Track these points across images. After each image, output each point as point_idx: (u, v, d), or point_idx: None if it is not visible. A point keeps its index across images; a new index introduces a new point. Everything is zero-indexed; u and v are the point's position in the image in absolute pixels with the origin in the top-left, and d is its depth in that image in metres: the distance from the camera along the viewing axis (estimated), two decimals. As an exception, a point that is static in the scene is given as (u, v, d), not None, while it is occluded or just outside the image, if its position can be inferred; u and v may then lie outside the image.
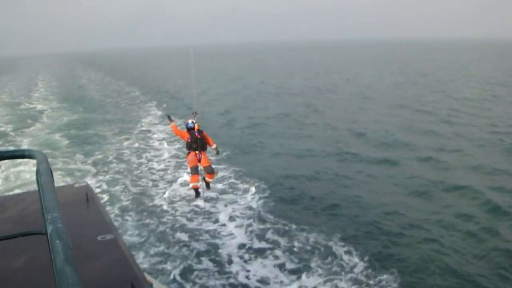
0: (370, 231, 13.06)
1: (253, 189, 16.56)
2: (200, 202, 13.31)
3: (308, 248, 12.05)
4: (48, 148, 23.86)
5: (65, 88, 58.25)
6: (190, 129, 10.15)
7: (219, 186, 17.02)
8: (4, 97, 51.02)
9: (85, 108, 39.40)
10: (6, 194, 13.24)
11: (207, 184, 10.94)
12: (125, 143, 25.33)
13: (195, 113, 10.60)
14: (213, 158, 15.22)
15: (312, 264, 11.18)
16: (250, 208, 14.95)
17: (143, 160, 21.48)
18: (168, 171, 19.73)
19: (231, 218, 14.15)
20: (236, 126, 29.53)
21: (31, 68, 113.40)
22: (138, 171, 19.72)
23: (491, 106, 34.84)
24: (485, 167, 18.79)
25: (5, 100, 47.60)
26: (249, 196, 15.99)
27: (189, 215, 14.62)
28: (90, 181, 17.94)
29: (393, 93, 43.49)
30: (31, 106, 42.15)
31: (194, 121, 10.20)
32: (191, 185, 10.49)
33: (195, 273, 11.04)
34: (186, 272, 11.03)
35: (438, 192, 16.20)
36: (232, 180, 17.79)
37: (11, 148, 23.79)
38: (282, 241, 12.45)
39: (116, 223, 11.21)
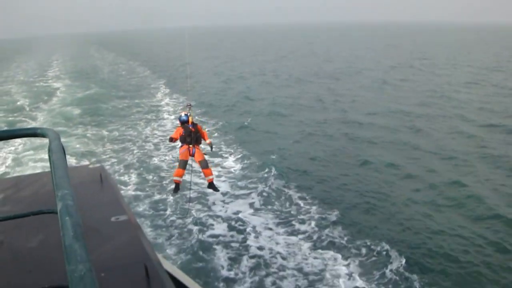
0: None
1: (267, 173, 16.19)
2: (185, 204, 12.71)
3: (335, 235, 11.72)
4: (61, 123, 24.96)
5: (79, 67, 59.28)
6: (183, 122, 9.72)
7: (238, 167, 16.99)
8: (20, 76, 52.26)
9: (98, 86, 40.40)
10: (21, 174, 13.26)
11: (213, 187, 10.26)
12: (138, 120, 26.23)
13: (190, 105, 10.14)
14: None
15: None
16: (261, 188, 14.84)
17: (157, 140, 21.75)
18: None
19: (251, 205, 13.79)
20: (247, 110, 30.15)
21: (46, 49, 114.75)
22: (152, 150, 20.05)
23: None
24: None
25: (21, 79, 48.85)
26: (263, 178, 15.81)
27: (204, 196, 14.42)
28: (104, 156, 18.92)
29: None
30: (46, 84, 43.25)
31: (188, 114, 9.78)
32: (173, 178, 10.11)
33: (210, 255, 10.87)
34: (200, 254, 10.85)
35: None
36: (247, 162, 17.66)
37: (28, 124, 24.81)
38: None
39: (130, 204, 11.20)
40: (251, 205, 13.69)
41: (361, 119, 24.31)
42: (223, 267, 10.32)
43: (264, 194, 14.38)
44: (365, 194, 14.30)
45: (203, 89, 36.05)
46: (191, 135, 9.64)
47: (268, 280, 9.88)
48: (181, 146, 9.82)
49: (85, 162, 17.56)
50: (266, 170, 16.39)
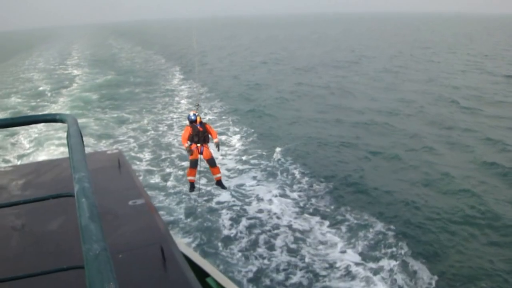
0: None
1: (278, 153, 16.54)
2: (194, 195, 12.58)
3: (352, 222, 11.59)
4: (80, 106, 26.34)
5: (98, 56, 60.86)
6: (192, 122, 9.83)
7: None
8: (41, 64, 54.08)
9: (116, 72, 41.81)
10: (42, 159, 13.78)
11: (220, 184, 10.57)
12: (154, 104, 27.42)
13: (198, 105, 10.28)
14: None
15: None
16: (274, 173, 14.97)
17: (171, 122, 22.48)
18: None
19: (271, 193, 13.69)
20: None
21: (66, 38, 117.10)
22: (166, 131, 20.70)
23: None
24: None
25: (42, 67, 50.65)
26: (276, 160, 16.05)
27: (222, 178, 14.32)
28: (122, 137, 19.80)
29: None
30: (66, 71, 44.84)
31: (197, 114, 9.89)
32: (188, 178, 10.34)
33: (225, 237, 10.85)
34: (216, 236, 10.92)
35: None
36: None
37: (49, 109, 26.21)
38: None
39: (146, 189, 11.03)
40: (254, 177, 14.51)
41: (365, 106, 24.99)
42: (236, 248, 10.30)
43: (268, 169, 15.19)
44: (359, 170, 14.92)
45: (214, 76, 37.08)
46: (199, 135, 9.78)
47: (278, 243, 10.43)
48: (190, 145, 9.92)
49: (103, 144, 18.45)
50: (270, 148, 17.19)
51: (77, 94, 30.28)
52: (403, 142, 18.08)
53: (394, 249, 10.04)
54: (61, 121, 1.97)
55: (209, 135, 9.98)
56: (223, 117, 22.94)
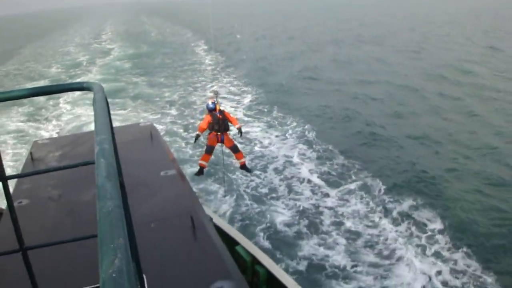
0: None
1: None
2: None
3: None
4: (113, 73, 28.47)
5: (131, 31, 63.12)
6: (211, 110, 9.55)
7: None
8: (77, 39, 56.79)
9: (147, 45, 43.91)
10: (79, 132, 13.98)
11: (245, 168, 10.38)
12: (181, 71, 29.22)
13: (216, 92, 10.04)
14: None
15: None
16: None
17: (199, 85, 23.69)
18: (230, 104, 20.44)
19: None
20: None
21: (100, 16, 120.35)
22: (192, 92, 22.04)
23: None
24: None
25: (78, 41, 53.33)
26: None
27: (250, 153, 14.48)
28: (154, 99, 21.38)
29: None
30: (101, 46, 47.22)
31: (215, 101, 9.62)
32: (199, 162, 10.15)
33: (256, 210, 10.91)
34: (244, 209, 10.97)
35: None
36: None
37: (85, 76, 28.40)
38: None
39: (179, 160, 11.42)
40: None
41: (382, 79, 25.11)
42: (267, 220, 10.40)
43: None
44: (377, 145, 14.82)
45: (241, 51, 38.40)
46: (219, 123, 9.56)
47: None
48: (210, 133, 9.71)
49: (135, 120, 18.72)
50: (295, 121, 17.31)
51: (111, 63, 32.50)
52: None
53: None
54: (88, 89, 1.96)
55: (229, 123, 9.75)
56: (245, 89, 24.22)
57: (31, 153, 6.02)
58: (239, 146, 10.67)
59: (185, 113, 19.00)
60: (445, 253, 8.97)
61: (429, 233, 9.66)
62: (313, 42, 39.21)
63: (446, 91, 20.72)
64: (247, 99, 20.73)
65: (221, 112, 9.61)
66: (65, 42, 53.57)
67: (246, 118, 18.04)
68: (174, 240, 3.91)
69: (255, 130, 16.78)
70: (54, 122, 19.15)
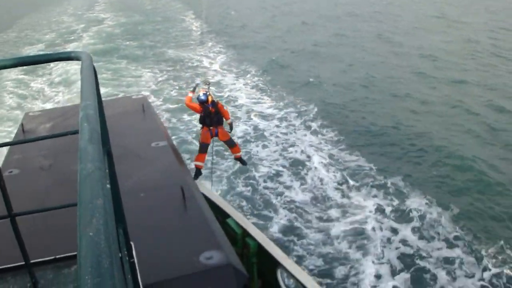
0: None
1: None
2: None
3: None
4: (106, 38, 29.79)
5: (123, 2, 63.65)
6: (202, 102, 8.42)
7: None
8: (70, 10, 57.47)
9: (139, 15, 45.05)
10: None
11: (240, 160, 9.70)
12: (173, 39, 30.50)
13: (208, 82, 9.06)
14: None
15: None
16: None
17: (190, 54, 24.27)
18: (225, 76, 20.83)
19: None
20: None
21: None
22: (192, 74, 21.50)
23: None
24: None
25: (71, 12, 54.13)
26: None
27: (249, 132, 14.64)
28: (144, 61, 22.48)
29: None
30: (94, 15, 48.15)
31: (208, 93, 8.50)
32: (194, 163, 9.09)
33: (248, 187, 11.21)
34: (236, 183, 11.30)
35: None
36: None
37: (79, 43, 29.72)
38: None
39: (170, 132, 11.27)
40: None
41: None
42: (252, 187, 10.87)
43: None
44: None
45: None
46: (210, 116, 8.54)
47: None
48: (202, 127, 8.79)
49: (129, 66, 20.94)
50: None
51: (105, 29, 33.91)
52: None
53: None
54: (76, 58, 1.90)
55: (222, 116, 8.78)
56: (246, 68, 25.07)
57: (22, 124, 5.99)
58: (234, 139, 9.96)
59: (175, 69, 20.30)
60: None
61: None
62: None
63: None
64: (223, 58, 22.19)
65: (214, 104, 8.56)
66: (59, 13, 54.28)
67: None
68: (163, 210, 3.93)
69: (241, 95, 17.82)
70: (47, 93, 19.37)
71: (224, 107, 8.99)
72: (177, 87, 19.17)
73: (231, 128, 9.13)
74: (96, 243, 0.72)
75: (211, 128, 8.70)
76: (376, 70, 20.78)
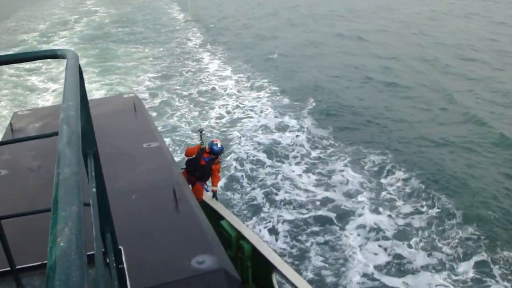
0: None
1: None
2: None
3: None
4: (96, 34, 31.57)
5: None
6: (216, 153, 7.26)
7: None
8: (62, 4, 58.61)
9: (131, 7, 46.75)
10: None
11: (215, 195, 7.62)
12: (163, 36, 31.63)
13: (201, 130, 7.77)
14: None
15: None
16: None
17: (190, 64, 23.71)
18: (218, 78, 20.82)
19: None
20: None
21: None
22: (186, 73, 21.93)
23: None
24: None
25: (63, 5, 55.37)
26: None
27: (246, 128, 14.79)
28: (137, 78, 21.56)
29: None
30: (86, 8, 49.52)
31: (218, 144, 7.32)
32: None
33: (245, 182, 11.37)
34: (230, 185, 11.31)
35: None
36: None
37: (71, 33, 31.31)
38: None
39: (161, 132, 11.22)
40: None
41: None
42: (246, 189, 10.87)
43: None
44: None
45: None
46: (196, 166, 7.21)
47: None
48: (193, 184, 7.28)
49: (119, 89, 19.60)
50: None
51: (96, 21, 35.66)
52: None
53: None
54: (62, 56, 1.81)
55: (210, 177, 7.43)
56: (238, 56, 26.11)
57: (11, 124, 5.89)
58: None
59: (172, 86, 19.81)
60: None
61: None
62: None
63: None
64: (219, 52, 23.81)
65: (212, 160, 7.25)
66: (51, 6, 55.39)
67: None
68: (155, 212, 3.84)
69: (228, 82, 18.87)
70: (37, 91, 18.98)
71: (219, 173, 7.75)
72: (168, 85, 19.55)
73: (213, 195, 7.47)
74: (67, 254, 0.68)
75: (202, 181, 7.39)
76: (373, 63, 21.53)
